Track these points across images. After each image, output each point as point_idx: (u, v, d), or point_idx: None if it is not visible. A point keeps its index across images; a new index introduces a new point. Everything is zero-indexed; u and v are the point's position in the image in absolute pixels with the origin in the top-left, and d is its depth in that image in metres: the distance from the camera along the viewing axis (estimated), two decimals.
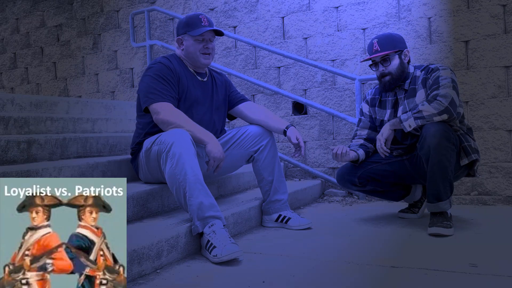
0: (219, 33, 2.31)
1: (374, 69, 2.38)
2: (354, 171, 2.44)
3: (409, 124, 2.13)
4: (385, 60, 2.29)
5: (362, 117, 2.54)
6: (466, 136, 2.26)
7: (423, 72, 2.31)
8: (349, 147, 2.46)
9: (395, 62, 2.30)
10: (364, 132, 2.51)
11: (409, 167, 2.39)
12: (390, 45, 2.29)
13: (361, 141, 2.49)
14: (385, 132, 2.26)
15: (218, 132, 2.40)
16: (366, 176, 2.43)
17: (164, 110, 2.07)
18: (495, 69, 2.97)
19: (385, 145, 2.26)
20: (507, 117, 2.93)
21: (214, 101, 2.38)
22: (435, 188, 2.14)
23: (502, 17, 2.98)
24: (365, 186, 2.47)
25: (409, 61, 2.37)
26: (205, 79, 2.37)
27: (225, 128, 2.54)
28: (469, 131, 2.32)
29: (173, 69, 2.21)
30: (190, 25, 2.24)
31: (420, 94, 2.27)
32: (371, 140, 2.49)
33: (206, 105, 2.32)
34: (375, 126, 2.49)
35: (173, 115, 2.07)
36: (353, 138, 2.55)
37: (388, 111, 2.41)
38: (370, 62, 2.41)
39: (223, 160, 2.09)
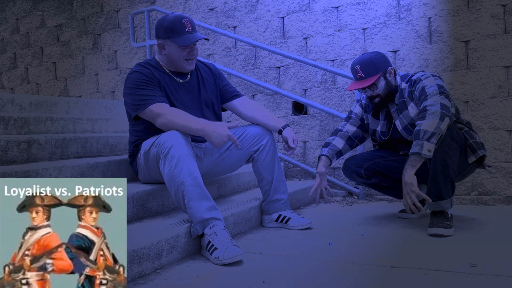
0: (205, 39, 2.25)
1: (361, 91, 2.39)
2: (361, 163, 2.47)
3: (428, 149, 2.01)
4: (371, 85, 2.30)
5: (353, 115, 2.58)
6: (471, 133, 2.27)
7: (407, 84, 2.31)
8: (326, 146, 2.53)
9: (381, 84, 2.31)
10: (353, 129, 2.55)
11: None
12: (373, 69, 2.28)
13: (339, 149, 2.53)
14: (413, 181, 2.04)
15: None
16: (372, 169, 2.45)
17: (164, 113, 2.04)
18: (495, 69, 2.97)
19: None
20: (507, 117, 2.93)
21: (202, 99, 2.32)
22: (437, 187, 2.14)
23: (502, 17, 2.98)
24: (371, 178, 2.48)
25: (395, 74, 2.37)
26: (186, 80, 2.30)
27: None
28: (469, 125, 2.32)
29: (151, 75, 2.16)
30: (173, 31, 2.15)
31: (412, 108, 2.27)
32: (356, 137, 2.57)
33: (193, 107, 2.26)
34: (364, 127, 2.55)
35: (173, 115, 2.04)
36: (336, 134, 2.56)
37: (381, 122, 2.45)
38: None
39: (231, 135, 2.00)
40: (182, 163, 1.88)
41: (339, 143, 2.55)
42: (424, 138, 2.01)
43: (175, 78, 2.27)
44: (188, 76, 2.32)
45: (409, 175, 2.05)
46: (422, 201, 2.56)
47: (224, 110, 2.51)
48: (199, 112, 2.27)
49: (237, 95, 2.46)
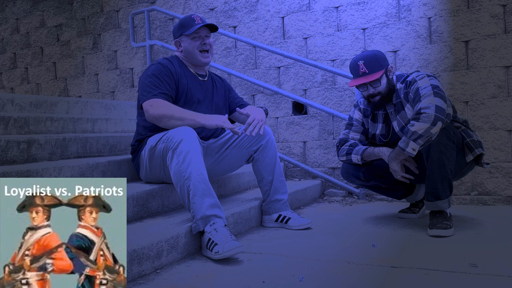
0: (213, 29, 2.32)
1: (361, 90, 2.32)
2: (360, 166, 2.43)
3: (412, 148, 2.09)
4: (375, 81, 2.26)
5: (354, 122, 2.51)
6: (468, 131, 2.26)
7: (403, 85, 2.29)
8: (349, 153, 2.42)
9: (384, 81, 2.27)
10: (357, 136, 2.49)
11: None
12: (378, 65, 2.24)
13: (363, 147, 2.41)
14: (397, 168, 2.25)
15: (218, 131, 2.41)
16: (371, 171, 2.42)
17: (152, 106, 2.10)
18: (495, 69, 2.97)
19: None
20: (507, 117, 2.93)
21: (214, 102, 2.40)
22: (434, 187, 2.14)
23: (502, 17, 2.98)
24: (369, 181, 2.45)
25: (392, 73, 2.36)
26: (205, 79, 2.40)
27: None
28: (466, 123, 2.32)
29: (172, 69, 2.23)
30: (184, 26, 2.28)
31: (408, 110, 2.25)
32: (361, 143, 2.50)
33: (206, 104, 2.35)
34: (366, 132, 2.49)
35: (161, 108, 2.10)
36: (346, 143, 2.46)
37: (380, 125, 2.41)
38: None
39: (226, 119, 2.10)
40: (189, 159, 1.89)
41: (361, 146, 2.46)
42: (411, 138, 2.08)
43: (196, 75, 2.36)
44: (206, 78, 2.40)
45: (393, 165, 2.27)
46: (420, 201, 2.58)
47: (233, 122, 2.56)
48: (210, 111, 2.33)
49: (243, 105, 2.52)
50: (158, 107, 2.10)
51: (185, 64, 2.35)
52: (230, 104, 2.52)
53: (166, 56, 2.37)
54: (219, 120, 2.08)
